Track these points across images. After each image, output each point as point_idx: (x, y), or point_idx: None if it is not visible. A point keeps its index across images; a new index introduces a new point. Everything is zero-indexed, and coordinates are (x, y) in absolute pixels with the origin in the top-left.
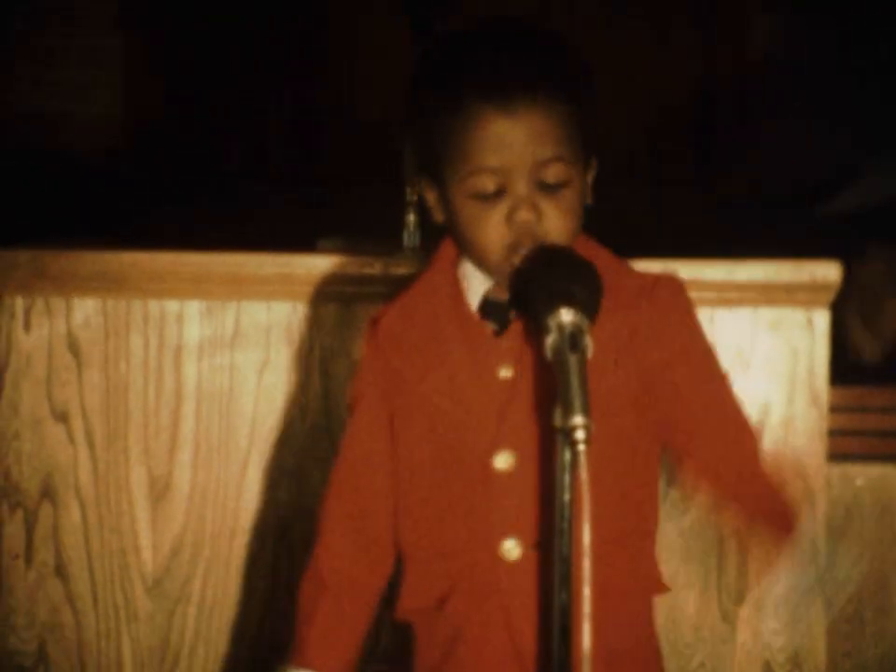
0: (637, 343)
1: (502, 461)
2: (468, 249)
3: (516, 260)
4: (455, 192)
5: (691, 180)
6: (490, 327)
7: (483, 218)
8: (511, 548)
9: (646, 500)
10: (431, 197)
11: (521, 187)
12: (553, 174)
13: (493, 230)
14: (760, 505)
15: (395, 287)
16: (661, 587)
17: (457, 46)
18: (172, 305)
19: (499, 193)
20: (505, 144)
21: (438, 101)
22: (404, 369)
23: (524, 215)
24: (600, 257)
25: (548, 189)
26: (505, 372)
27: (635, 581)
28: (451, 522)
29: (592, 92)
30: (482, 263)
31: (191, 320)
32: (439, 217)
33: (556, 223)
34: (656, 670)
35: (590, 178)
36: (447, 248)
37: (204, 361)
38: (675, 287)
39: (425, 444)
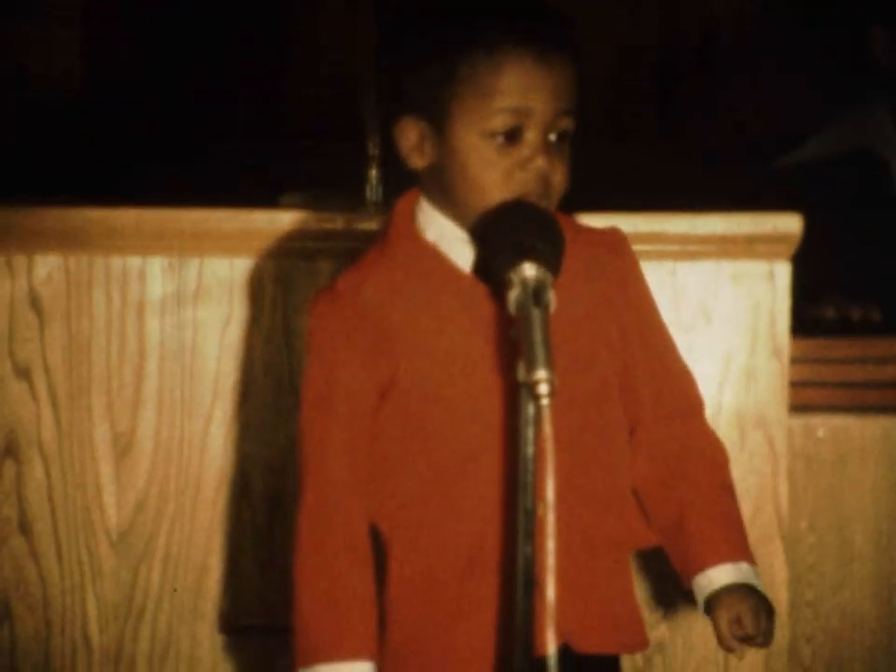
0: (615, 296)
1: None
2: (461, 192)
3: None
4: (468, 131)
5: (653, 134)
6: (487, 288)
7: (493, 160)
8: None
9: (625, 452)
10: (414, 136)
11: (539, 134)
12: (565, 127)
13: (503, 172)
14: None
15: (358, 242)
16: (647, 538)
17: None
18: (134, 261)
19: (516, 138)
20: (536, 89)
21: (465, 39)
22: (404, 340)
23: (541, 162)
24: (561, 217)
25: (557, 141)
26: (515, 332)
27: (620, 536)
28: (465, 484)
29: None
30: (472, 207)
31: (154, 276)
32: (419, 160)
33: (560, 175)
34: (639, 623)
35: None
36: (403, 209)
37: (167, 317)
38: (627, 241)
39: (438, 410)
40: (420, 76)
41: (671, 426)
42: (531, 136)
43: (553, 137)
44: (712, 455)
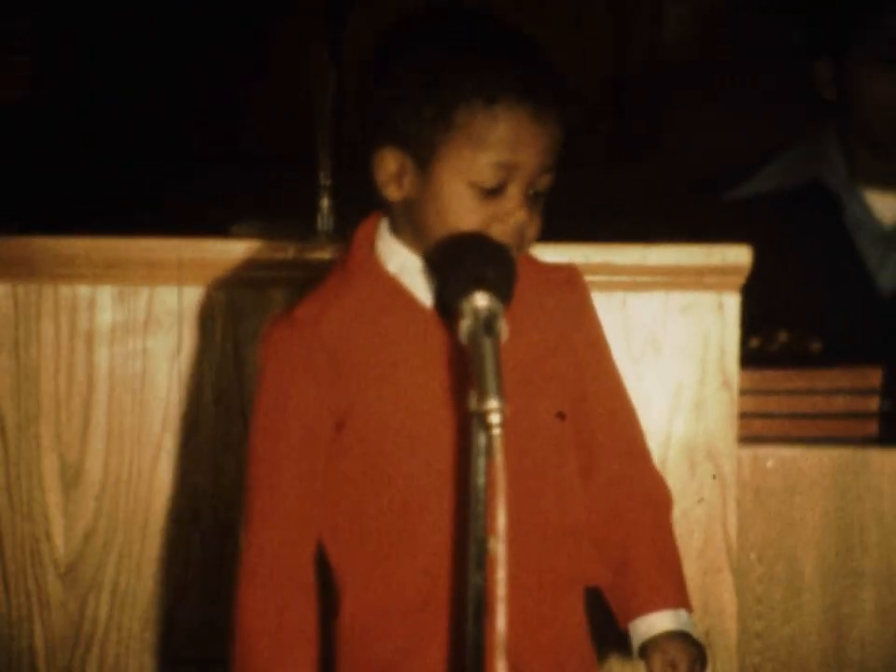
0: (570, 332)
1: None
2: (435, 232)
3: None
4: (454, 177)
5: (603, 164)
6: (446, 321)
7: (474, 209)
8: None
9: (579, 487)
10: (393, 168)
11: (522, 189)
12: (546, 182)
13: (482, 222)
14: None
15: (309, 272)
16: (601, 575)
17: (479, 34)
18: (83, 290)
19: (499, 190)
20: (528, 145)
21: (466, 85)
22: (361, 371)
23: (521, 216)
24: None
25: (536, 195)
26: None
27: (574, 571)
28: (418, 517)
29: None
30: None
31: (103, 305)
32: (394, 192)
33: (534, 229)
34: (591, 660)
35: None
36: (363, 238)
37: (117, 347)
38: (582, 278)
39: (394, 442)
40: (412, 111)
41: (620, 465)
42: (514, 190)
43: (531, 191)
44: (657, 498)
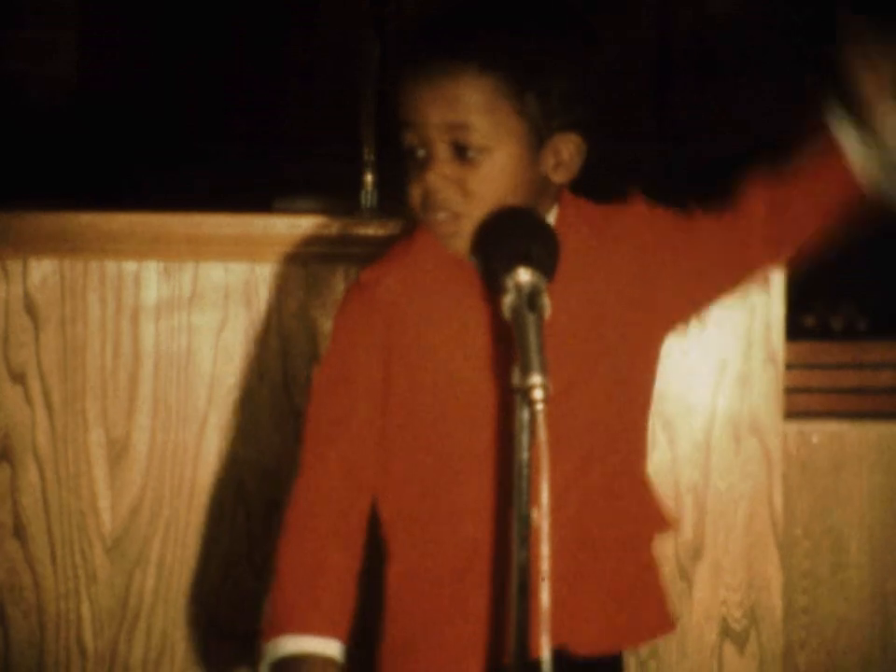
0: (652, 269)
1: None
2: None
3: (434, 224)
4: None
5: (649, 136)
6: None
7: (409, 176)
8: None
9: (640, 441)
10: None
11: (438, 151)
12: (465, 140)
13: (413, 189)
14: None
15: (353, 247)
16: (665, 523)
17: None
18: (129, 266)
19: (413, 154)
20: (420, 105)
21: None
22: (412, 339)
23: (430, 177)
24: (583, 205)
25: (464, 156)
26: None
27: (642, 520)
28: (462, 488)
29: (551, 65)
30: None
31: (149, 281)
32: None
33: (472, 190)
34: (665, 602)
35: (566, 153)
36: None
37: (162, 322)
38: (643, 204)
39: (440, 411)
40: None
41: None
42: (421, 152)
43: (443, 151)
44: None
